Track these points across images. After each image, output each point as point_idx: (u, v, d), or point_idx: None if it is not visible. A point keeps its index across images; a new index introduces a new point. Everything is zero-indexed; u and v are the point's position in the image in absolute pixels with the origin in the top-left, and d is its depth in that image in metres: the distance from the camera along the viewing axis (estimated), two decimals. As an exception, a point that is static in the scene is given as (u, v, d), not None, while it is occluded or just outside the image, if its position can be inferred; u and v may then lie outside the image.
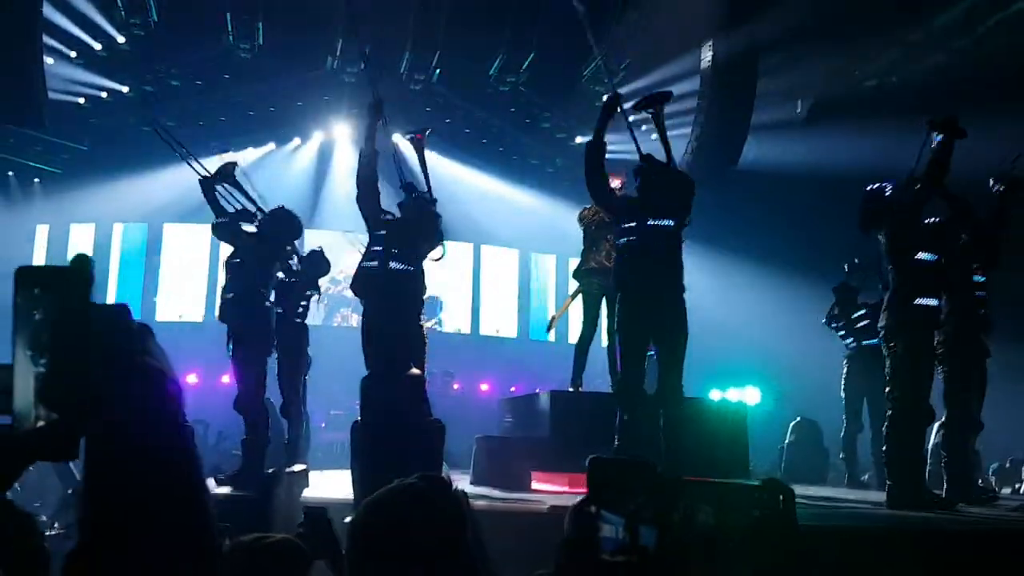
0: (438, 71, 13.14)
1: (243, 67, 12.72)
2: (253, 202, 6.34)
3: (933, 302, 5.32)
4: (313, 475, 6.45)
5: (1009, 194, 5.85)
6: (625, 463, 1.64)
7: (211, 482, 5.11)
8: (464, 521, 1.90)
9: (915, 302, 5.24)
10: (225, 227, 6.08)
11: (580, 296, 6.93)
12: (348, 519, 1.82)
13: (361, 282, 5.71)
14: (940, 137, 5.26)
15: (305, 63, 12.93)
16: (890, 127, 10.57)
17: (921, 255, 5.28)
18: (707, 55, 11.58)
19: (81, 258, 0.95)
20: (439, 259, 5.86)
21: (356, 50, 12.83)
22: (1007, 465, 8.68)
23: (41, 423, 0.84)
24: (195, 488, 0.90)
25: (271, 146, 14.30)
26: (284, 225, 6.23)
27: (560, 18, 10.50)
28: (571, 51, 12.76)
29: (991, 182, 5.97)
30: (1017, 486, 8.17)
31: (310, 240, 9.88)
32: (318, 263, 7.50)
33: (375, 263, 5.64)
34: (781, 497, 1.63)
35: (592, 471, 1.64)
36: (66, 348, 0.86)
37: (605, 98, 5.55)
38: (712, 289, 10.31)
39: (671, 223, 5.11)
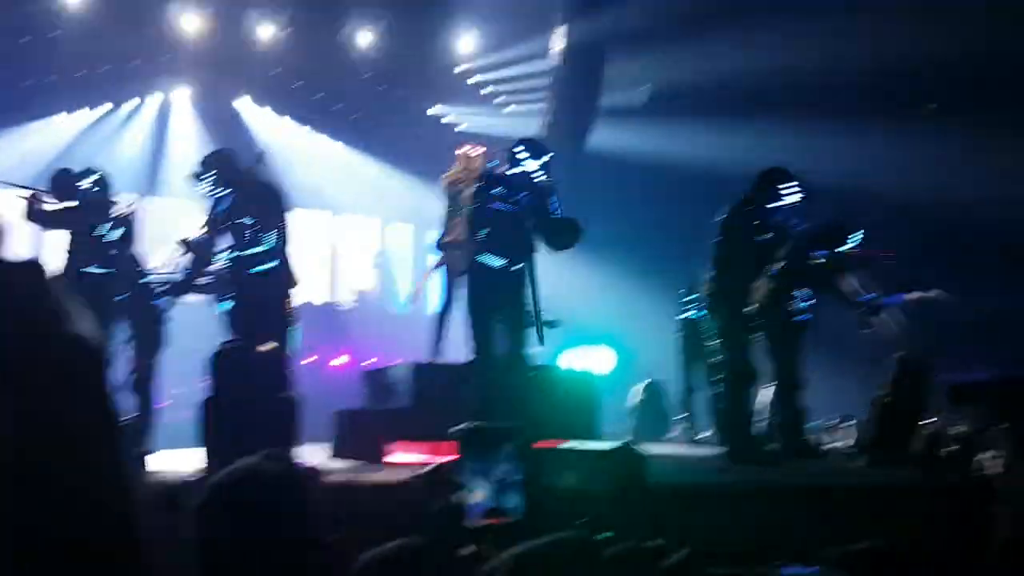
0: (287, 31, 12.68)
1: (75, 23, 11.80)
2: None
3: (751, 273, 5.72)
4: (159, 455, 6.18)
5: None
6: (495, 431, 1.67)
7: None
8: (311, 500, 1.88)
9: (735, 273, 5.60)
10: None
11: (440, 268, 6.94)
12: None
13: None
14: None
15: (143, 20, 12.16)
16: (725, 120, 11.28)
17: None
18: (558, 37, 11.87)
19: None
20: None
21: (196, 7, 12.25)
22: (833, 421, 9.40)
23: None
24: (123, 486, 0.77)
25: (107, 107, 13.39)
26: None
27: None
28: (428, 16, 12.65)
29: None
30: (845, 441, 8.84)
31: (152, 208, 9.38)
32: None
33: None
34: (634, 460, 1.71)
35: (461, 439, 1.66)
36: None
37: None
38: (566, 256, 10.57)
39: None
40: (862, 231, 6.41)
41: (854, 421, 9.27)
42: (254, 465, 1.71)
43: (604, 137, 12.60)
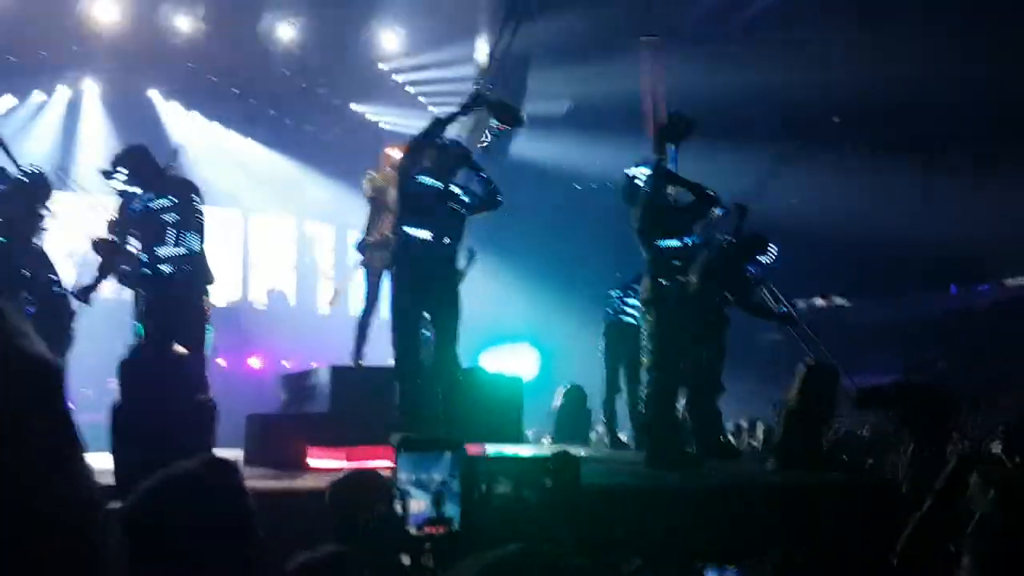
0: (201, 25, 12.33)
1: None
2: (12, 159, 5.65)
3: (681, 277, 5.86)
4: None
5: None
6: (435, 443, 1.67)
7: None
8: (250, 507, 1.86)
9: (665, 278, 5.72)
10: None
11: (362, 269, 6.87)
12: (113, 506, 1.70)
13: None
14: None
15: (52, 10, 11.64)
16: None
17: (670, 241, 5.78)
18: (482, 47, 11.95)
19: None
20: None
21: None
22: (743, 423, 9.68)
23: None
24: (90, 509, 0.72)
25: (10, 100, 12.78)
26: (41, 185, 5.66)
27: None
28: (348, 13, 12.49)
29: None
30: (753, 443, 9.13)
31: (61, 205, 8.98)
32: None
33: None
34: (569, 466, 1.73)
35: (400, 450, 1.66)
36: None
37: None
38: (488, 259, 10.64)
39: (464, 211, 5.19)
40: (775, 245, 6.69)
41: (761, 424, 9.60)
42: (191, 470, 1.67)
43: (527, 146, 12.84)
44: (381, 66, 13.36)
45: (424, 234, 5.08)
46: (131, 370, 4.44)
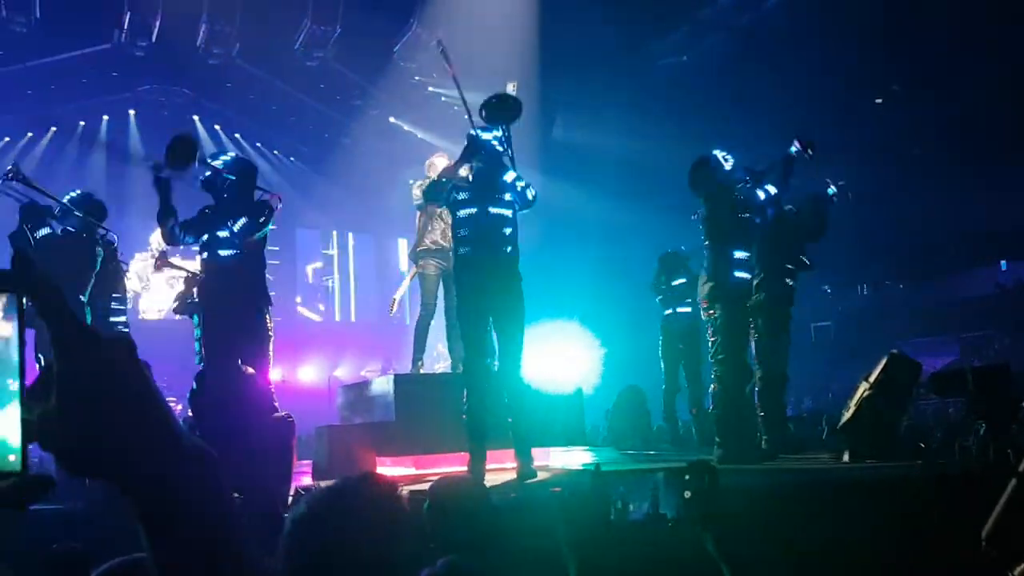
0: (238, 44, 12.46)
1: (17, 42, 11.45)
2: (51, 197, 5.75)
3: (746, 275, 5.76)
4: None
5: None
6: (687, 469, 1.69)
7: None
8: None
9: (733, 274, 5.64)
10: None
11: (418, 277, 6.88)
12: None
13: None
14: (796, 151, 5.71)
15: (89, 37, 11.83)
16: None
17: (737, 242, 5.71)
18: (510, 87, 12.14)
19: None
20: None
21: (145, 22, 11.92)
22: (803, 415, 9.48)
23: None
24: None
25: (52, 129, 13.02)
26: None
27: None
28: (382, 25, 12.52)
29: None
30: (819, 428, 8.94)
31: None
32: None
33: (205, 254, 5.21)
34: (710, 475, 1.71)
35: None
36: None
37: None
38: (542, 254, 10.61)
39: (509, 211, 5.13)
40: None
41: (824, 415, 9.41)
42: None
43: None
44: (418, 78, 13.35)
45: (481, 249, 5.06)
46: (205, 393, 4.49)
